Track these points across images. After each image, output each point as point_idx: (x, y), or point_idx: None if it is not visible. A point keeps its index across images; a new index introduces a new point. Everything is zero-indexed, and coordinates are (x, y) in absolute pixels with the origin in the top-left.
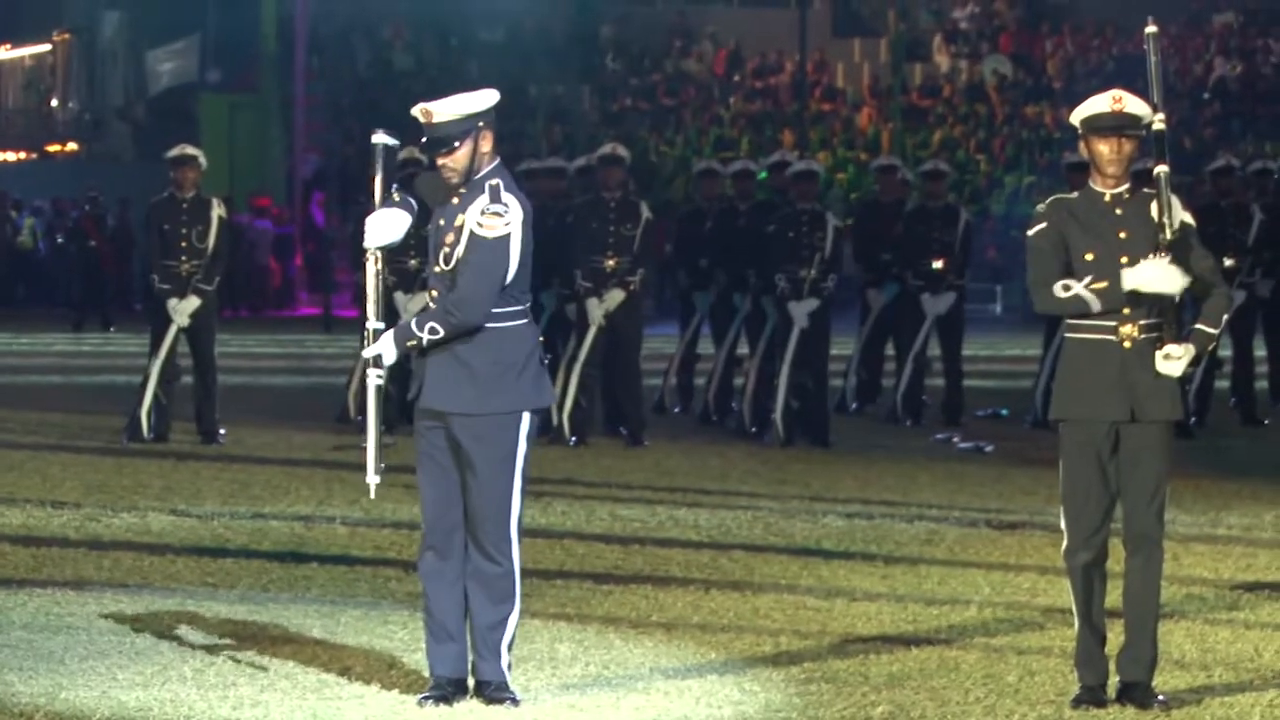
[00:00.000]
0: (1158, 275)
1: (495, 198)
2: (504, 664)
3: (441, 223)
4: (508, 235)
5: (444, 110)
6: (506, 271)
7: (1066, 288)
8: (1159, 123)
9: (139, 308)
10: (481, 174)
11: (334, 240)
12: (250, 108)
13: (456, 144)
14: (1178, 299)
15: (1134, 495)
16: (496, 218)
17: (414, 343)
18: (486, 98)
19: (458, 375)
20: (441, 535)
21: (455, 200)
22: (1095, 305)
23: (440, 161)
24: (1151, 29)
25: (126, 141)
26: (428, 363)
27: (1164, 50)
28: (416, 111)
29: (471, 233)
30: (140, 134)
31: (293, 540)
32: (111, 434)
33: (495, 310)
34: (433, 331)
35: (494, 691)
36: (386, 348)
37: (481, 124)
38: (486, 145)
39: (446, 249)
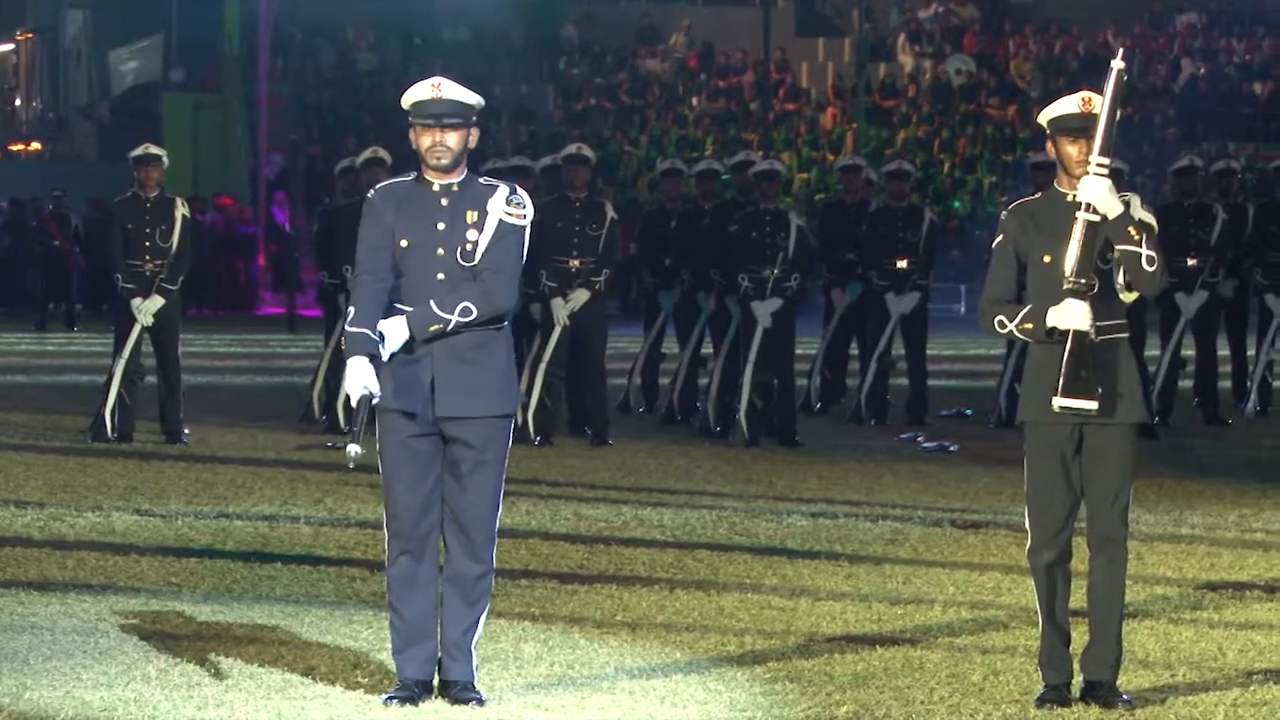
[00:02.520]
0: (1075, 315)
1: (514, 191)
2: (473, 664)
3: (441, 226)
4: (525, 228)
5: (452, 89)
6: (522, 263)
7: (1002, 324)
8: (1099, 171)
9: (106, 308)
10: (467, 174)
11: (298, 240)
12: (214, 107)
13: (459, 122)
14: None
15: (1098, 496)
16: (520, 209)
17: (439, 326)
18: (475, 95)
19: (470, 380)
20: (419, 540)
21: (445, 201)
22: (1031, 340)
23: (438, 138)
24: (1119, 64)
25: (90, 141)
26: (435, 370)
27: (1127, 49)
28: (426, 86)
29: (501, 221)
30: (104, 133)
31: (257, 540)
32: (75, 433)
33: None
34: (465, 313)
35: (460, 692)
36: (396, 332)
37: (475, 119)
38: (473, 141)
39: (467, 245)
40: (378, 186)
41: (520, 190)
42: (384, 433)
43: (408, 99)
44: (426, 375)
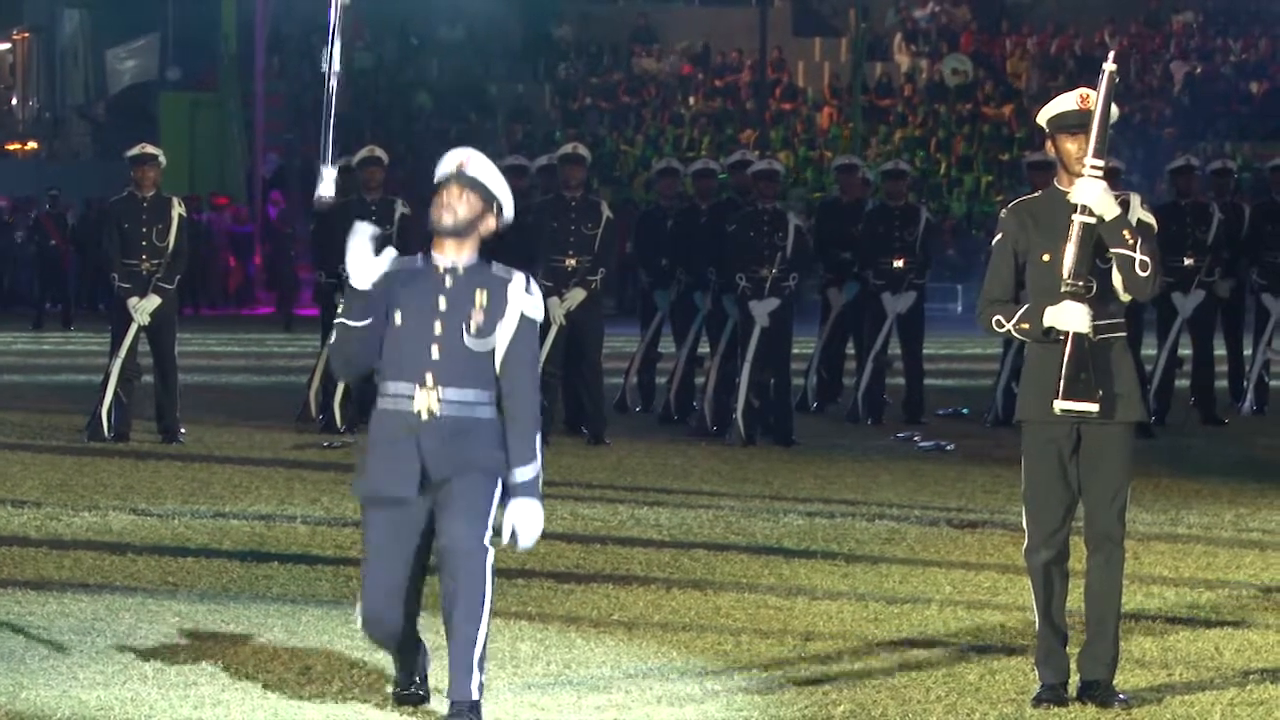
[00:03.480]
0: (1073, 317)
1: (530, 279)
2: (474, 682)
3: (443, 303)
4: (539, 322)
5: (478, 166)
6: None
7: (999, 323)
8: (1093, 172)
9: (103, 307)
10: (478, 261)
11: (294, 238)
12: (210, 106)
13: (474, 186)
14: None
15: (1095, 495)
16: (538, 300)
17: (540, 473)
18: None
19: (463, 447)
20: (390, 613)
21: (449, 282)
22: (1028, 340)
23: (451, 199)
24: (1110, 66)
25: (86, 140)
26: (424, 453)
27: (1122, 50)
28: (455, 162)
29: (524, 316)
30: (100, 132)
31: (253, 539)
32: (72, 433)
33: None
34: (535, 449)
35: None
36: (535, 523)
37: (495, 204)
38: (487, 228)
39: (473, 322)
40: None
41: (534, 280)
42: (368, 521)
43: (439, 171)
44: (415, 461)
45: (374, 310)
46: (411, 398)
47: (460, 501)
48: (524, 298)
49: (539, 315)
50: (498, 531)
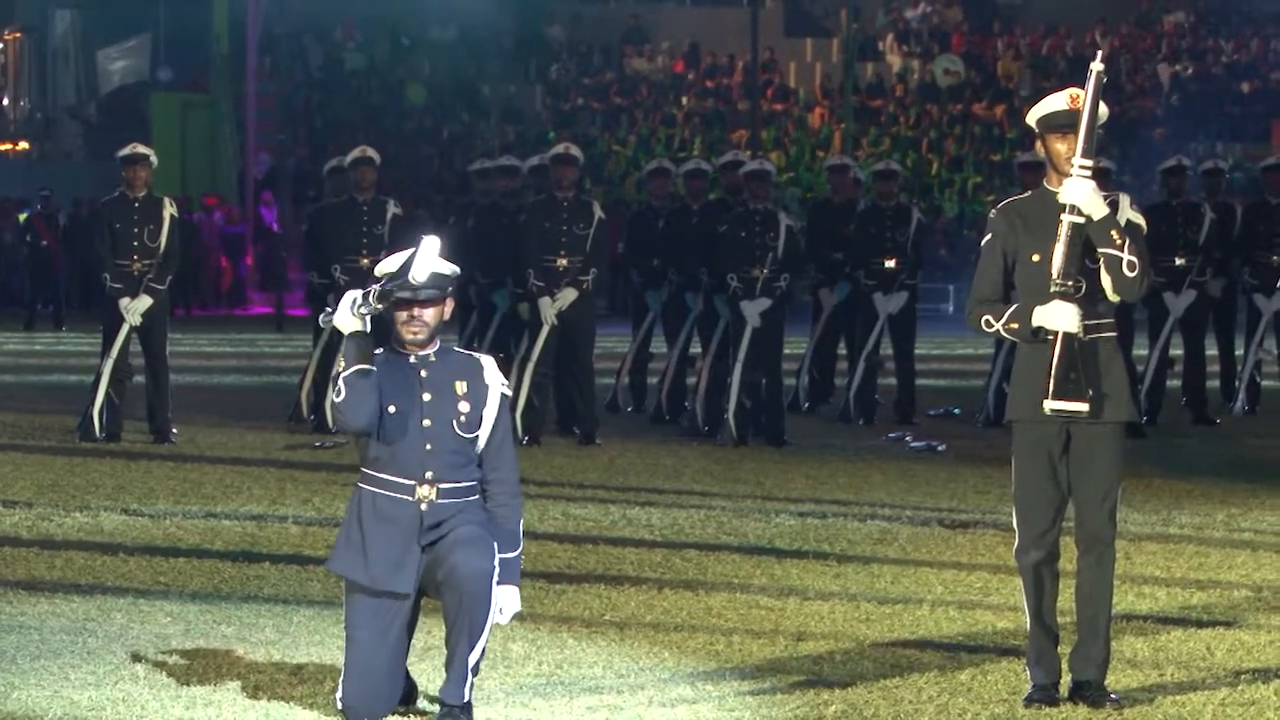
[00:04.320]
0: (1063, 317)
1: (494, 364)
2: (466, 685)
3: (427, 397)
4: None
5: (430, 265)
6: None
7: (989, 323)
8: (1082, 172)
9: (95, 309)
10: (440, 345)
11: (286, 240)
12: (202, 107)
13: (436, 294)
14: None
15: (1086, 495)
16: (501, 375)
17: (520, 557)
18: (451, 266)
19: (456, 523)
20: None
21: (424, 373)
22: (1016, 339)
23: (415, 313)
24: (1098, 66)
25: (78, 140)
26: (422, 541)
27: (1113, 50)
28: (400, 261)
29: (503, 396)
30: (92, 133)
31: (245, 540)
32: (63, 433)
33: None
34: (519, 536)
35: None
36: (512, 605)
37: (451, 290)
38: (448, 313)
39: (461, 417)
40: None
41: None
42: (357, 605)
43: (381, 270)
44: (416, 551)
45: (373, 362)
46: (411, 490)
47: (465, 536)
48: (497, 379)
49: (509, 391)
50: None
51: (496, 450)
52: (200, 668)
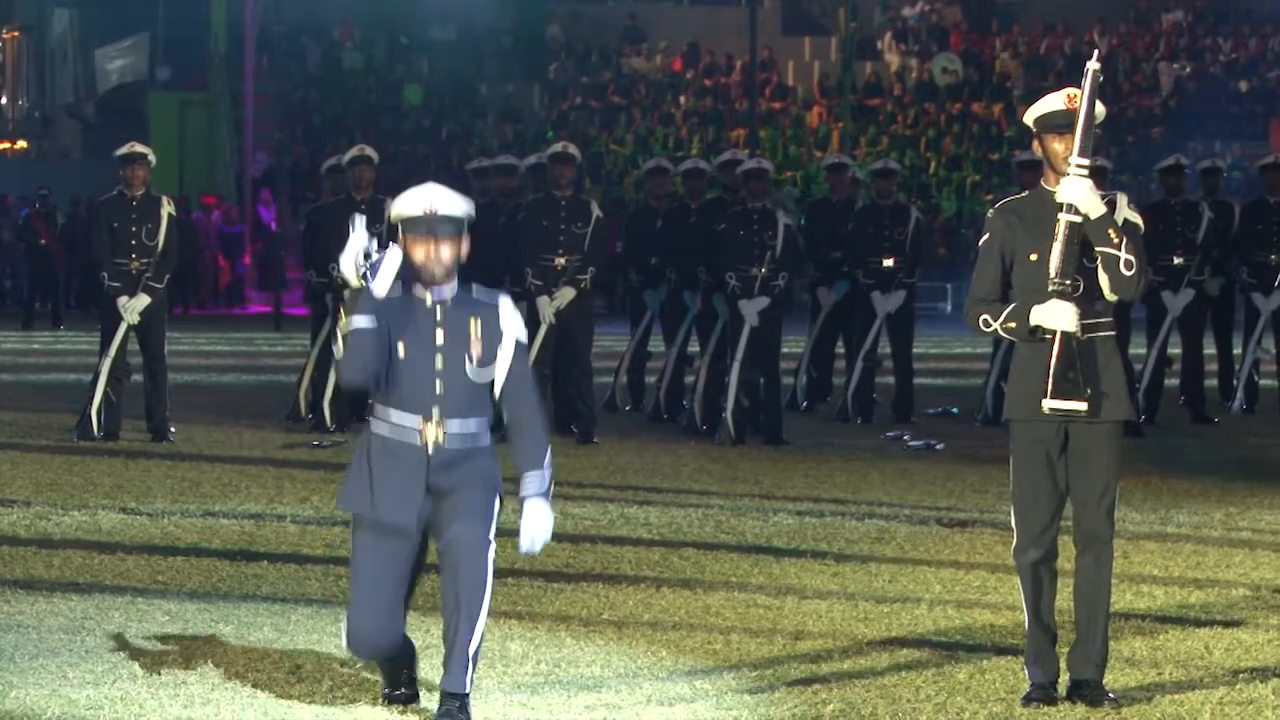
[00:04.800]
0: (1061, 316)
1: (513, 307)
2: (468, 675)
3: (440, 338)
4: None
5: (445, 204)
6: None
7: (986, 323)
8: (1079, 171)
9: (94, 310)
10: (458, 284)
11: (284, 238)
12: (200, 106)
13: (452, 231)
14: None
15: (1084, 494)
16: (520, 319)
17: (551, 471)
18: (466, 203)
19: (462, 472)
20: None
21: (439, 315)
22: (1014, 339)
23: (432, 251)
24: (1094, 65)
25: (76, 139)
26: (430, 481)
27: (1112, 48)
28: (417, 200)
29: (518, 342)
30: (90, 132)
31: (243, 538)
32: (62, 432)
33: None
34: (548, 468)
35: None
36: (546, 524)
37: (466, 228)
38: (464, 251)
39: (476, 358)
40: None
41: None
42: (362, 542)
43: (397, 212)
44: (420, 488)
45: (380, 315)
46: (418, 430)
47: (464, 506)
48: (514, 322)
49: (525, 335)
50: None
51: (514, 390)
52: (198, 666)
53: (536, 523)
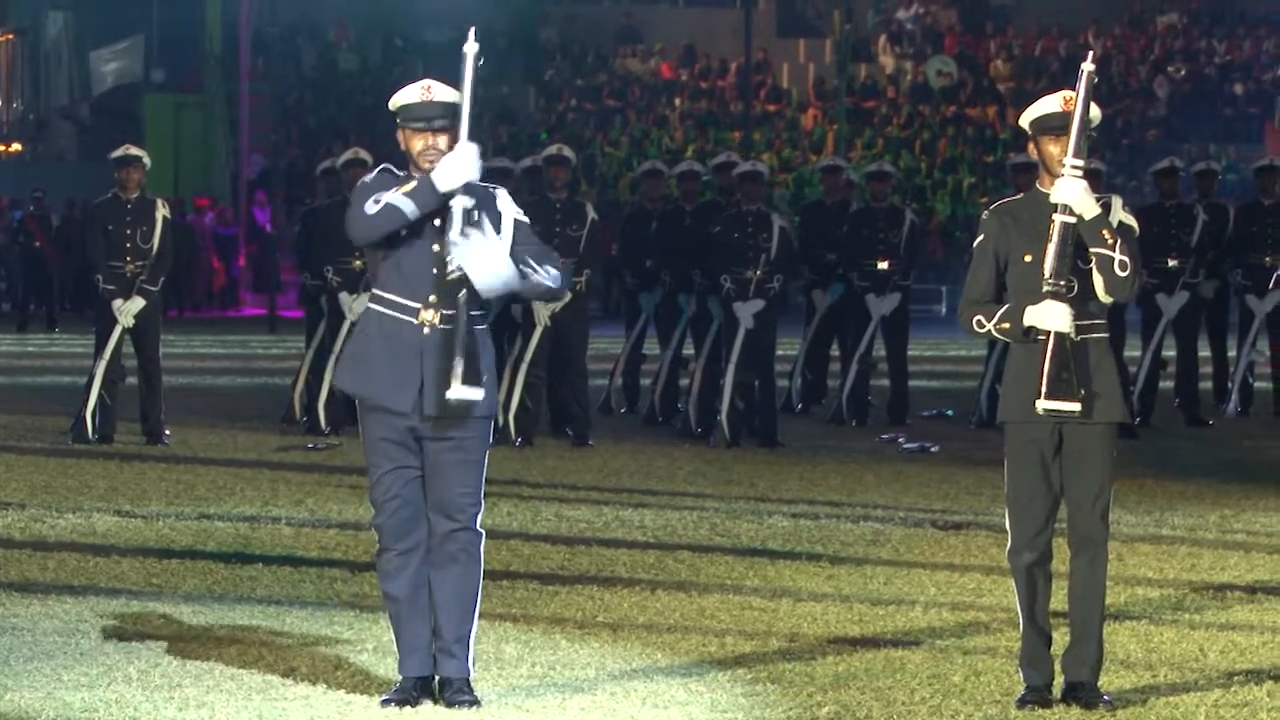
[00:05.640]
0: (1055, 317)
1: (510, 191)
2: (470, 660)
3: (439, 222)
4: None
5: (443, 92)
6: None
7: (980, 324)
8: (1074, 173)
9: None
10: None
11: (279, 241)
12: (195, 108)
13: (450, 123)
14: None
15: (1078, 496)
16: (518, 206)
17: (558, 297)
18: (459, 93)
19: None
20: (404, 532)
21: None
22: (1008, 340)
23: (430, 141)
24: (1089, 67)
25: (71, 141)
26: (425, 370)
27: (1107, 51)
28: (416, 89)
29: (517, 221)
30: (84, 134)
31: (238, 541)
32: (56, 434)
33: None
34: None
35: (454, 693)
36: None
37: (458, 114)
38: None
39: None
40: (373, 173)
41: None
42: (374, 422)
43: (396, 102)
44: (416, 373)
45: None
46: (416, 311)
47: (454, 479)
48: (510, 205)
49: (525, 218)
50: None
51: (524, 252)
52: (194, 669)
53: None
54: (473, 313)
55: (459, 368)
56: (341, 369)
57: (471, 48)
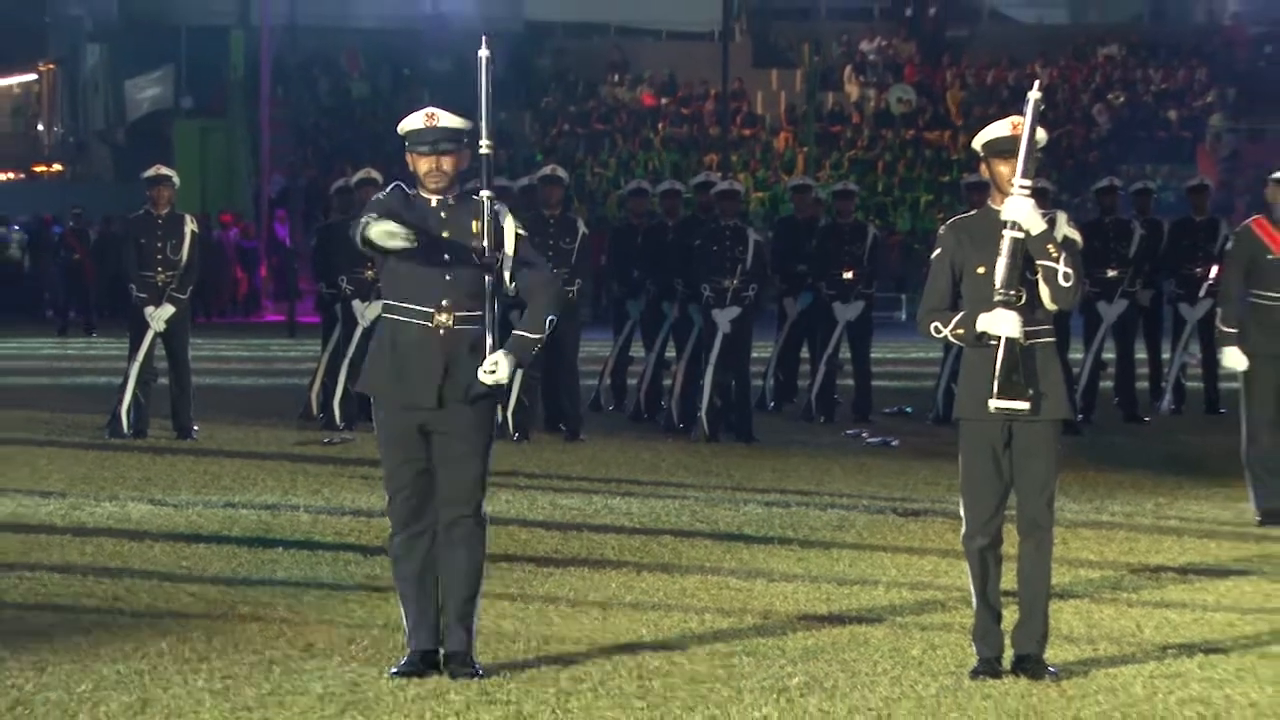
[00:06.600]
0: (1005, 323)
1: (509, 211)
2: (473, 636)
3: (445, 234)
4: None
5: (446, 118)
6: None
7: (937, 329)
8: (1022, 191)
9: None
10: (461, 190)
11: (297, 253)
12: (220, 132)
13: (453, 147)
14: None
15: (1026, 486)
16: (516, 219)
17: (540, 342)
18: (465, 120)
19: (472, 374)
20: (429, 516)
21: (445, 215)
22: (962, 344)
23: (435, 163)
24: (1035, 95)
25: (107, 162)
26: (448, 362)
27: (1052, 80)
28: (420, 115)
29: (520, 235)
30: (119, 155)
31: (260, 527)
32: (94, 430)
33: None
34: (553, 324)
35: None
36: (505, 369)
37: (466, 142)
38: (464, 163)
39: (480, 252)
40: (387, 190)
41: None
42: (381, 420)
43: (404, 127)
44: (438, 369)
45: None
46: (430, 315)
47: (460, 471)
48: (511, 220)
49: (523, 231)
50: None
51: (520, 267)
52: (219, 643)
53: (492, 369)
54: (491, 315)
55: (479, 358)
56: (364, 374)
57: (485, 53)
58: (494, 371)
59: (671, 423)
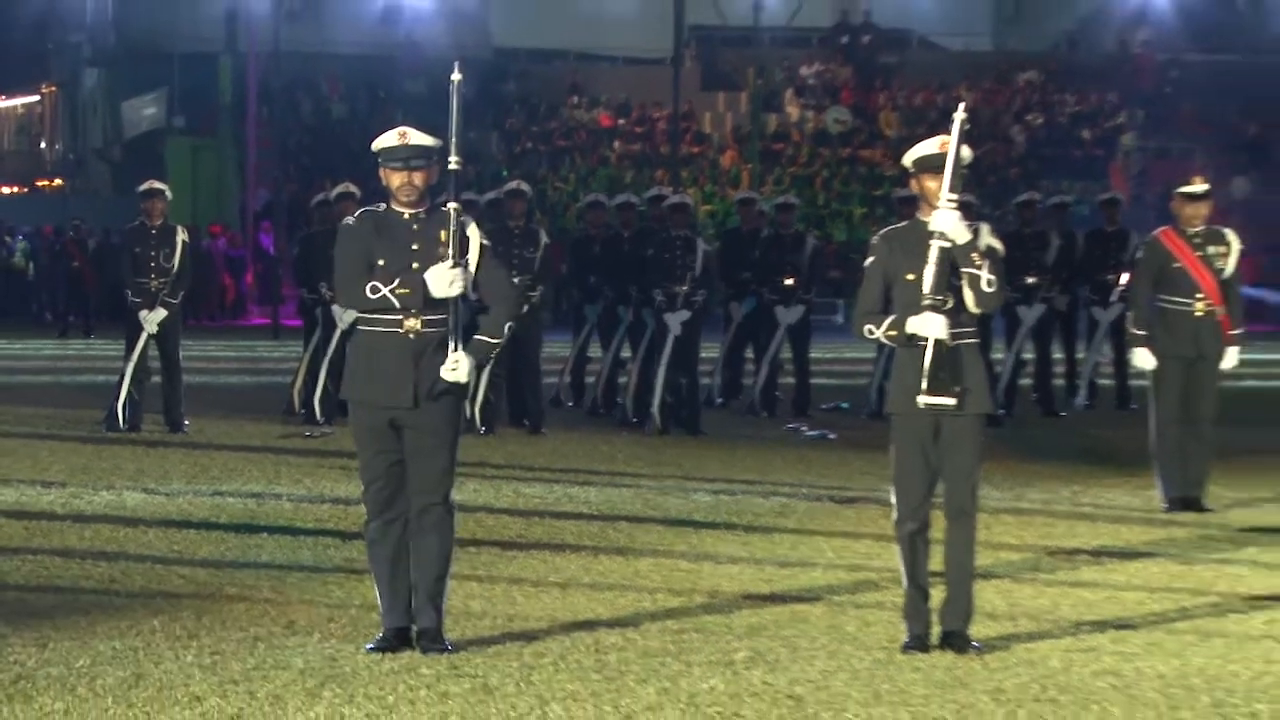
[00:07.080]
0: (932, 325)
1: (475, 224)
2: (442, 614)
3: (415, 246)
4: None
5: (417, 136)
6: None
7: (870, 331)
8: (949, 205)
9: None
10: (431, 204)
11: (281, 261)
12: (210, 149)
13: (423, 163)
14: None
15: (953, 475)
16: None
17: (499, 345)
18: (434, 138)
19: (436, 374)
20: (401, 504)
21: (416, 227)
22: (894, 345)
23: (406, 178)
24: (960, 116)
25: (105, 178)
26: (418, 365)
27: (976, 103)
28: (394, 134)
29: (484, 245)
30: (116, 171)
31: (246, 514)
32: (92, 424)
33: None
34: (511, 329)
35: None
36: (465, 368)
37: (435, 159)
38: (433, 178)
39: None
40: (356, 214)
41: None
42: (356, 421)
43: (379, 145)
44: (410, 370)
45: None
46: (400, 323)
47: (430, 462)
48: (476, 232)
49: (488, 242)
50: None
51: (488, 281)
52: (208, 622)
53: (454, 367)
54: (454, 319)
55: (447, 358)
56: (345, 382)
57: (457, 77)
58: (455, 369)
59: (626, 417)
